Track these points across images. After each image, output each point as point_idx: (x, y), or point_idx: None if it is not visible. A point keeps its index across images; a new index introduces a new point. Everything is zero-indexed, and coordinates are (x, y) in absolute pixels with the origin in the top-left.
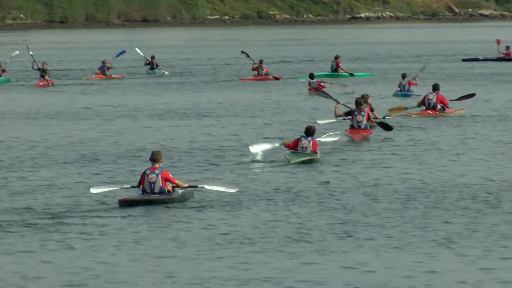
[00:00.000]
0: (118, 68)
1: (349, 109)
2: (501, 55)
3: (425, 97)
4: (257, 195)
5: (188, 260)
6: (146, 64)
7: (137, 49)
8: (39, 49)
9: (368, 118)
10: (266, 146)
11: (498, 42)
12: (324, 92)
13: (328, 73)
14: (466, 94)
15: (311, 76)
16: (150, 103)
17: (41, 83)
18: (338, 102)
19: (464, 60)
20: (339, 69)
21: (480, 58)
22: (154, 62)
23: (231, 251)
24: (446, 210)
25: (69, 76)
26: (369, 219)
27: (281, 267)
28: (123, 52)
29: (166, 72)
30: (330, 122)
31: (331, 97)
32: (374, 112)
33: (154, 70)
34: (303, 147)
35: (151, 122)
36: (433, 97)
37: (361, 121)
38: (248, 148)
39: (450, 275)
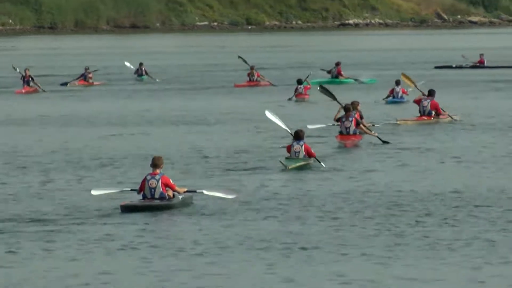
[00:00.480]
0: (103, 74)
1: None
2: (473, 63)
3: (420, 101)
4: (254, 202)
5: (184, 267)
6: (135, 73)
7: (126, 64)
8: (27, 55)
9: (357, 124)
10: (280, 122)
11: (463, 56)
12: (331, 93)
13: (328, 80)
14: (452, 115)
15: (299, 82)
16: (141, 110)
17: (24, 91)
18: (342, 107)
19: (436, 67)
20: (340, 76)
21: (454, 65)
22: (143, 68)
23: (228, 258)
24: (436, 218)
25: (55, 82)
26: (364, 228)
27: (273, 276)
28: (96, 70)
29: (157, 79)
30: (319, 127)
31: (336, 100)
32: (363, 120)
33: (142, 77)
34: (295, 152)
35: (144, 128)
36: (427, 104)
37: (349, 127)
38: (265, 114)
39: (438, 284)
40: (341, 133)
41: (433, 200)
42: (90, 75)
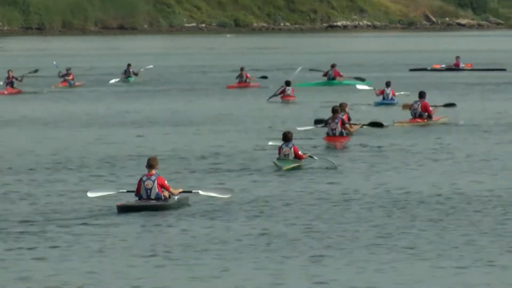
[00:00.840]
0: (88, 75)
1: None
2: (449, 66)
3: (411, 106)
4: (249, 203)
5: (179, 267)
6: (123, 74)
7: (112, 81)
8: (15, 56)
9: (343, 124)
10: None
11: (434, 66)
12: (322, 120)
13: (325, 82)
14: (448, 103)
15: (287, 83)
16: (130, 111)
17: (6, 92)
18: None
19: (411, 70)
20: (339, 77)
21: (428, 68)
22: (130, 70)
23: (222, 258)
24: (421, 221)
25: (43, 84)
26: (351, 230)
27: (265, 276)
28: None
29: (150, 66)
30: (308, 129)
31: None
32: (351, 121)
33: (129, 79)
34: (285, 155)
35: (134, 130)
36: (418, 106)
37: (335, 128)
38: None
39: (422, 286)
40: (327, 134)
41: (420, 203)
42: (70, 77)
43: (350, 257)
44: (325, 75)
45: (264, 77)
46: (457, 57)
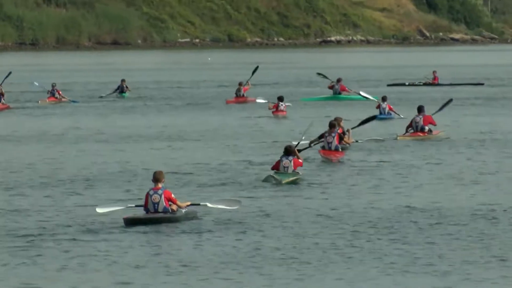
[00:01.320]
0: (82, 90)
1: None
2: (427, 81)
3: (412, 120)
4: (252, 218)
5: (183, 280)
6: (116, 90)
7: (102, 95)
8: (6, 71)
9: (340, 139)
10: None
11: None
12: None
13: (331, 96)
14: (444, 103)
15: (280, 98)
16: (128, 127)
17: None
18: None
19: (389, 85)
20: (344, 92)
21: (406, 83)
22: (124, 85)
23: (227, 272)
24: (410, 236)
25: (32, 99)
26: (340, 245)
27: None
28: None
29: (138, 87)
30: (303, 143)
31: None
32: (346, 136)
33: (123, 94)
34: (284, 167)
35: (133, 144)
36: (420, 120)
37: (331, 142)
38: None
39: None
40: (323, 147)
41: (411, 217)
42: (59, 92)
43: (346, 273)
44: (331, 87)
45: (255, 70)
46: (434, 72)
